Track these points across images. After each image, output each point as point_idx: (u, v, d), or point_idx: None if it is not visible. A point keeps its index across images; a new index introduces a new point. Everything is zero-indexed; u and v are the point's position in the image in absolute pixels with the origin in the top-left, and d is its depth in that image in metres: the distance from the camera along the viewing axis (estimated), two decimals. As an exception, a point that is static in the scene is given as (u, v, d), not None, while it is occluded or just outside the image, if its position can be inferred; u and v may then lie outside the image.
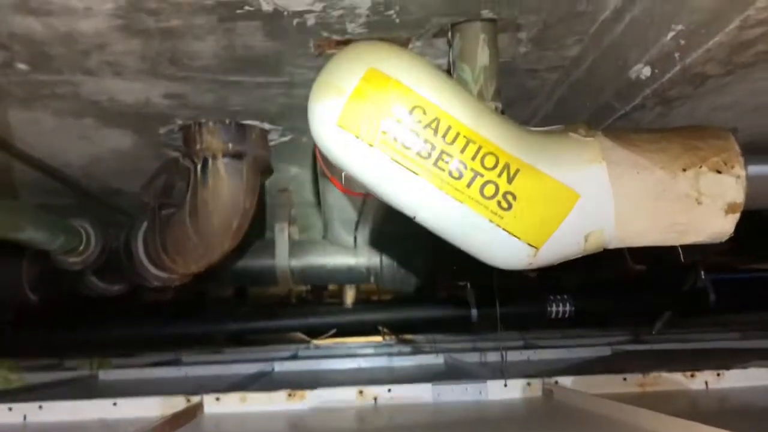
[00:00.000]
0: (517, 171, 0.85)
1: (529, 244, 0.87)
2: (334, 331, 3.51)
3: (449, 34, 1.07)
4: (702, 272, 2.52)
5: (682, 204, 0.86)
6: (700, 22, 0.83)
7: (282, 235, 1.87)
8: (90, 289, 1.70)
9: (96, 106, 1.28)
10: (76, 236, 1.48)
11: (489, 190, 0.85)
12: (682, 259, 0.91)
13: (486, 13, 1.00)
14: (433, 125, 0.85)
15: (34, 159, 1.54)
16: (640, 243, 0.89)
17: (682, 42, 0.88)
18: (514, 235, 0.86)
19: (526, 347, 3.01)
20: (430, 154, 0.85)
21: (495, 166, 0.85)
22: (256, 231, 1.92)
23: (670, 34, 0.89)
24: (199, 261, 1.46)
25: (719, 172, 0.85)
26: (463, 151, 0.85)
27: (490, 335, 2.85)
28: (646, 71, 0.98)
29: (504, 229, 0.86)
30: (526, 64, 1.20)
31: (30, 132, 1.41)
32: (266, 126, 1.44)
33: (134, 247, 1.52)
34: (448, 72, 1.10)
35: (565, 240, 0.87)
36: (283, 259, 1.87)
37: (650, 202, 0.85)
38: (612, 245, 0.90)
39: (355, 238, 1.76)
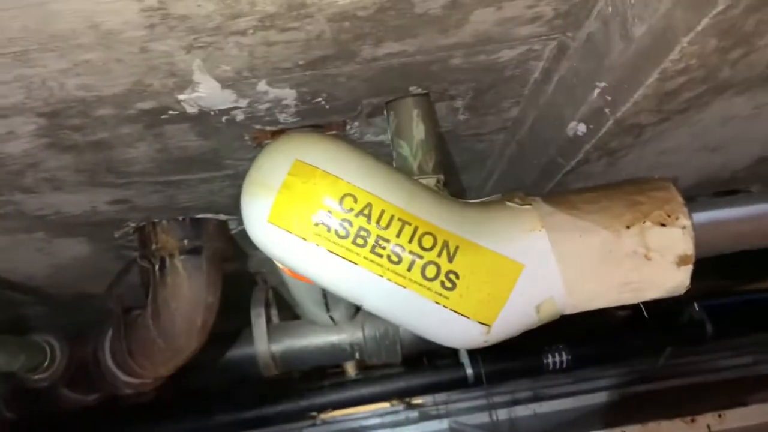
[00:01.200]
0: (457, 248, 0.82)
1: (480, 322, 0.83)
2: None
3: (384, 111, 1.07)
4: (696, 304, 2.45)
5: (631, 262, 0.82)
6: (620, 77, 0.82)
7: (259, 320, 1.83)
8: (63, 401, 1.64)
9: (44, 221, 1.25)
10: (39, 353, 1.43)
11: (430, 271, 0.82)
12: (646, 315, 0.87)
13: (414, 89, 0.99)
14: (366, 212, 0.82)
15: (-5, 278, 1.51)
16: (596, 306, 0.86)
17: (609, 98, 0.87)
18: (463, 315, 0.83)
19: (535, 398, 2.93)
20: (366, 242, 0.82)
21: (434, 246, 0.82)
22: (235, 322, 1.88)
23: (596, 91, 0.88)
24: (167, 363, 1.42)
25: (664, 225, 0.82)
26: (399, 234, 0.82)
27: (495, 389, 2.78)
28: (582, 128, 0.97)
29: (452, 310, 0.83)
30: (469, 130, 1.19)
31: (-16, 252, 1.38)
32: (222, 217, 1.42)
33: (101, 355, 1.48)
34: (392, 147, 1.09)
35: (517, 313, 0.84)
36: (262, 344, 1.81)
37: (597, 265, 0.82)
38: (567, 311, 0.86)
39: (331, 317, 1.72)
